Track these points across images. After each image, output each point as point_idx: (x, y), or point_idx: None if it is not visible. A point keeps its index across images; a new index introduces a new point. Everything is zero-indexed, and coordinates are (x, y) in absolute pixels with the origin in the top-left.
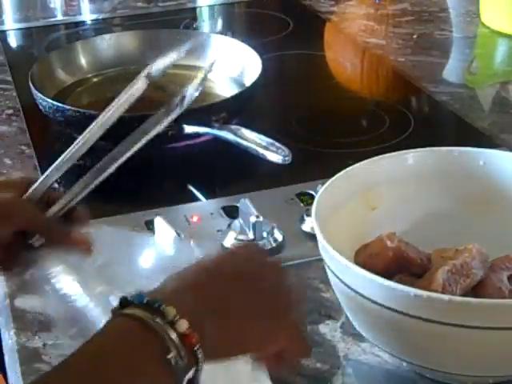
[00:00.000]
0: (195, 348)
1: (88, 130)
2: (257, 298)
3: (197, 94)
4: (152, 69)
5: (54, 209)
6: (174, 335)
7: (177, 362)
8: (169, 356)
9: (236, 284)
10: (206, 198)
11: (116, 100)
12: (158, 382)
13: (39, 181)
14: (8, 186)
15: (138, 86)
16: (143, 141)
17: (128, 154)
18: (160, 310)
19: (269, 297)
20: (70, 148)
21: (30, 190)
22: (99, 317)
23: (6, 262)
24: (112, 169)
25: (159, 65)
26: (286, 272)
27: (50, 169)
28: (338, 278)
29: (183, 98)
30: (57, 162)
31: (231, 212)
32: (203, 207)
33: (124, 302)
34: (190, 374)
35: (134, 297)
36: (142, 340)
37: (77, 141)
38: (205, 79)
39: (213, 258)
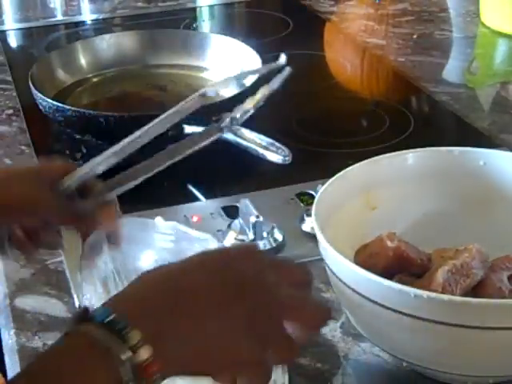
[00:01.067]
0: (155, 377)
1: (134, 135)
2: (231, 322)
3: (253, 111)
4: (207, 90)
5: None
6: (132, 363)
7: None
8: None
9: (209, 302)
10: (206, 198)
11: (167, 113)
12: None
13: (80, 171)
14: (48, 170)
15: (191, 104)
16: (187, 152)
17: (167, 164)
18: (122, 334)
19: (244, 320)
20: (114, 147)
21: (68, 178)
22: None
23: (32, 244)
24: (142, 178)
25: (216, 87)
26: (275, 287)
27: (92, 160)
28: (338, 277)
29: (241, 114)
30: (100, 157)
31: (231, 212)
32: (203, 207)
33: (84, 316)
34: None
35: (96, 312)
36: (96, 365)
37: (122, 141)
38: (264, 98)
39: (185, 265)
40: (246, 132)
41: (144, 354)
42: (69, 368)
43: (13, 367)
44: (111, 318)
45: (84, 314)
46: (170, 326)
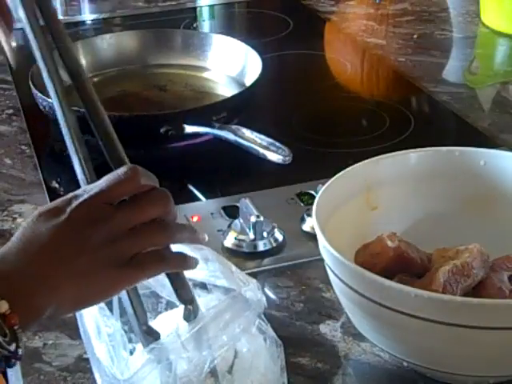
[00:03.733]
0: (15, 328)
1: None
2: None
3: None
4: None
5: None
6: None
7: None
8: None
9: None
10: (206, 198)
11: None
12: None
13: None
14: None
15: None
16: None
17: None
18: None
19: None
20: None
21: None
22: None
23: None
24: None
25: None
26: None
27: None
28: (338, 277)
29: None
30: None
31: (231, 212)
32: (203, 207)
33: None
34: (9, 349)
35: None
36: None
37: None
38: None
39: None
40: (246, 132)
41: (2, 307)
42: None
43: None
44: None
45: None
46: (21, 280)
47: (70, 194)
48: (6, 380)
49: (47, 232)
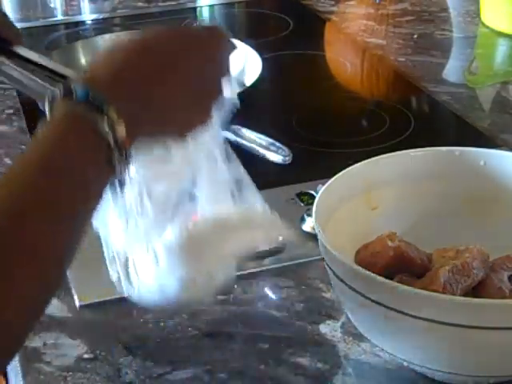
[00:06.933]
0: (129, 150)
1: None
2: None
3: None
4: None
5: None
6: (114, 139)
7: (115, 163)
8: (111, 158)
9: (165, 69)
10: None
11: None
12: (98, 181)
13: None
14: None
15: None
16: None
17: None
18: (103, 112)
19: (192, 83)
20: None
21: None
22: None
23: None
24: None
25: None
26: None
27: None
28: (338, 277)
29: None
30: None
31: None
32: None
33: (67, 93)
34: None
35: (77, 90)
36: (87, 141)
37: None
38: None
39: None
40: (246, 132)
41: (121, 131)
42: (58, 144)
43: (13, 367)
44: (92, 97)
45: (65, 93)
46: (139, 102)
47: None
48: (6, 380)
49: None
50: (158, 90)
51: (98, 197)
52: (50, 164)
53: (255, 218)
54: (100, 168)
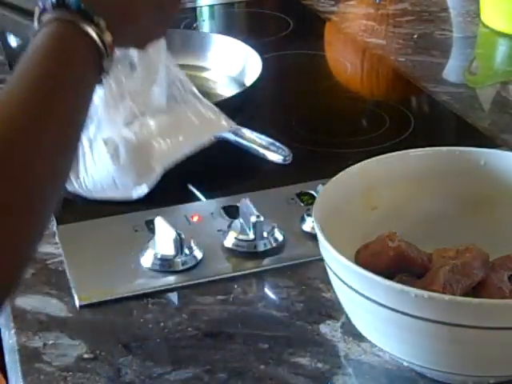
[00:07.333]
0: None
1: None
2: None
3: None
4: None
5: None
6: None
7: (105, 64)
8: (100, 60)
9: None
10: (206, 198)
11: None
12: (88, 79)
13: None
14: None
15: None
16: None
17: None
18: (93, 21)
19: None
20: None
21: None
22: None
23: None
24: None
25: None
26: None
27: None
28: (338, 277)
29: None
30: None
31: (232, 212)
32: (203, 207)
33: (60, 2)
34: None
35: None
36: (79, 44)
37: None
38: None
39: None
40: (246, 132)
41: (108, 38)
42: (53, 47)
43: (13, 367)
44: (83, 7)
45: (58, 2)
46: (118, 15)
47: None
48: (6, 380)
49: None
50: (131, 5)
51: (89, 94)
52: (48, 64)
53: (201, 112)
54: (90, 68)
